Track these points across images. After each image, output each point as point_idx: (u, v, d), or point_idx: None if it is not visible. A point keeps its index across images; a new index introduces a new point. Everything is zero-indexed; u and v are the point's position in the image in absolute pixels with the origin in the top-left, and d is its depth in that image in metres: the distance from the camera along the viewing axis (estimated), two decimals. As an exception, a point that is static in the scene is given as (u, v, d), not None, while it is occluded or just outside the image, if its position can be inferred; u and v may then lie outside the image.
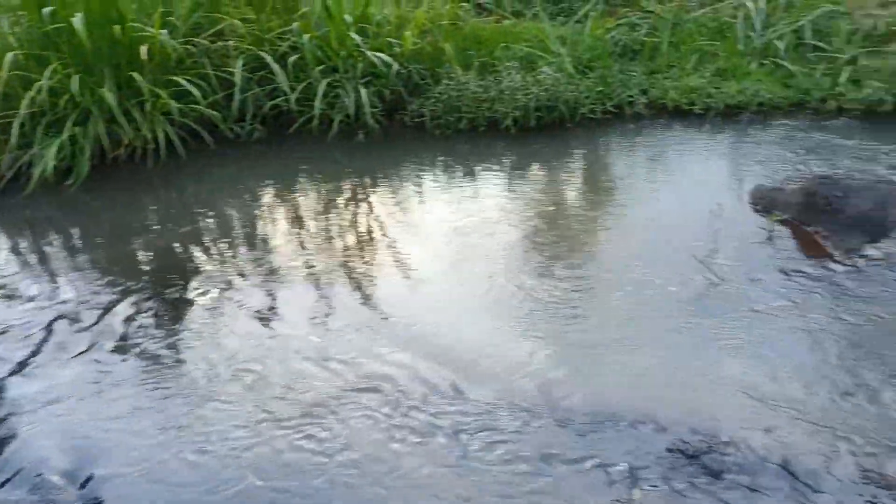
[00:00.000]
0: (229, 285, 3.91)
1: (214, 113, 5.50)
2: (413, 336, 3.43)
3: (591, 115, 5.81)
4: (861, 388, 2.93)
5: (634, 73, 6.15)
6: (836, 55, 5.86)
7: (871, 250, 3.84)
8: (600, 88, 5.95)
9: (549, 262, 4.00)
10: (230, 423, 2.92)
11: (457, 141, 5.71)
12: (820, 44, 6.03)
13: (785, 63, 5.97)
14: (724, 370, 3.09)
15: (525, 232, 4.33)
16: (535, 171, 5.22)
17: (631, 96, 5.92)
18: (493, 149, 5.56)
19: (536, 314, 3.55)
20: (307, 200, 4.93)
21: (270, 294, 3.83)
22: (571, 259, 4.02)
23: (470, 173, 5.24)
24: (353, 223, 4.62)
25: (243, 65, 5.69)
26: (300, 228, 4.56)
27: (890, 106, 5.33)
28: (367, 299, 3.77)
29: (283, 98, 5.72)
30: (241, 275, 4.01)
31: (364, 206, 4.87)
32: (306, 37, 5.71)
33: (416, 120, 5.90)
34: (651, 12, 6.66)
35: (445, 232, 4.42)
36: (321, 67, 5.78)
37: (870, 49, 5.84)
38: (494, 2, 7.07)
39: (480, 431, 2.83)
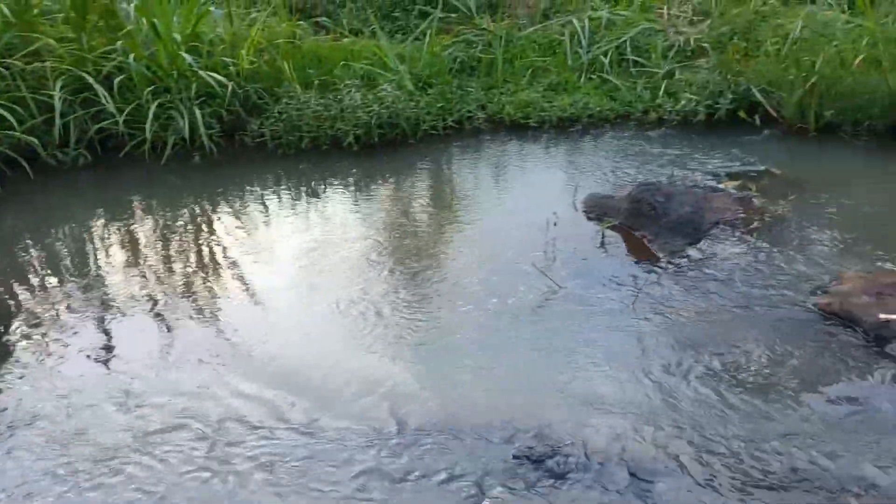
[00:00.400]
0: (53, 324, 3.65)
1: (32, 139, 5.13)
2: (257, 361, 3.34)
3: (433, 131, 5.90)
4: (690, 384, 3.13)
5: (472, 89, 6.31)
6: (655, 70, 6.28)
7: (691, 251, 4.13)
8: (440, 104, 6.06)
9: (395, 278, 4.02)
10: (43, 472, 2.73)
11: (300, 160, 5.64)
12: (640, 59, 6.45)
13: (610, 77, 6.33)
14: (565, 375, 3.21)
15: (369, 249, 4.33)
16: (380, 187, 5.23)
17: (470, 111, 6.07)
18: (337, 167, 5.53)
19: (382, 331, 3.55)
20: (142, 228, 4.69)
21: (101, 330, 3.61)
22: (416, 274, 4.05)
23: (314, 192, 5.19)
24: (192, 249, 4.44)
25: (64, 87, 5.35)
26: (135, 258, 4.32)
27: (703, 116, 5.77)
28: (207, 328, 3.64)
29: (110, 121, 5.42)
30: (68, 312, 3.76)
31: (204, 230, 4.70)
32: (132, 56, 5.45)
33: (257, 140, 5.77)
34: (485, 30, 6.86)
35: (289, 253, 4.34)
36: (151, 88, 5.53)
37: (683, 64, 6.30)
38: (332, 20, 7.05)
39: (327, 454, 2.79)
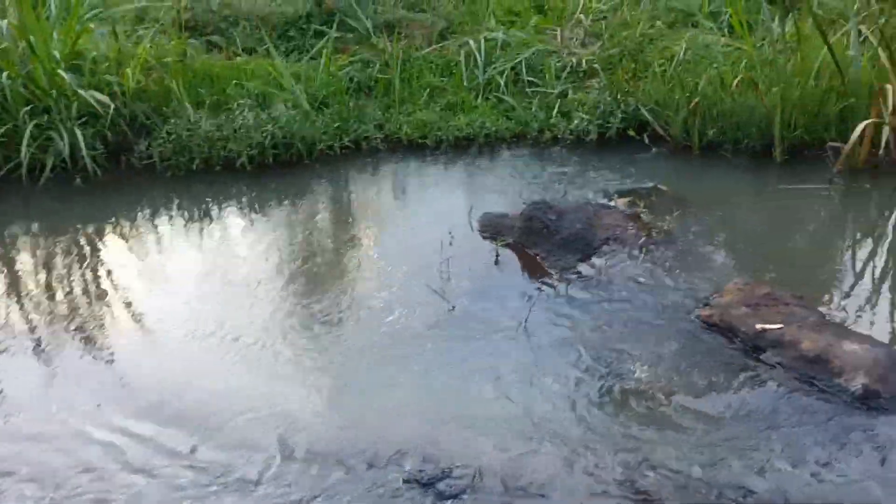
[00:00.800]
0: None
1: None
2: (139, 391, 3.19)
3: (330, 151, 5.83)
4: (578, 399, 3.17)
5: (370, 109, 6.28)
6: (549, 90, 6.41)
7: (582, 267, 4.20)
8: (337, 124, 6.00)
9: (288, 300, 3.94)
10: None
11: (191, 182, 5.46)
12: (535, 80, 6.56)
13: (506, 97, 6.42)
14: (457, 395, 3.21)
15: (263, 271, 4.23)
16: (274, 209, 5.13)
17: (367, 131, 6.03)
18: (230, 188, 5.39)
19: (272, 355, 3.48)
20: (17, 255, 4.44)
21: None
22: (309, 296, 3.98)
23: (206, 215, 5.04)
24: (72, 277, 4.22)
25: (-70, 106, 5.03)
26: (9, 288, 4.07)
27: (595, 135, 5.91)
28: (88, 361, 3.46)
29: (-18, 142, 5.13)
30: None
31: (86, 256, 4.48)
32: (5, 74, 5.17)
33: (146, 161, 5.56)
34: (382, 50, 6.85)
35: (177, 277, 4.20)
36: (29, 108, 5.25)
37: (576, 84, 6.46)
38: (225, 38, 6.89)
39: (208, 484, 2.68)
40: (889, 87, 4.88)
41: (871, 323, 3.65)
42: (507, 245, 4.45)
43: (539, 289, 4.02)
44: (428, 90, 6.55)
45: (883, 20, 5.33)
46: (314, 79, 6.38)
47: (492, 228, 4.64)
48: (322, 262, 4.38)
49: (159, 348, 3.58)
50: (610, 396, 3.17)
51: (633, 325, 3.66)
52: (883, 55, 5.03)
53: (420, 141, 6.04)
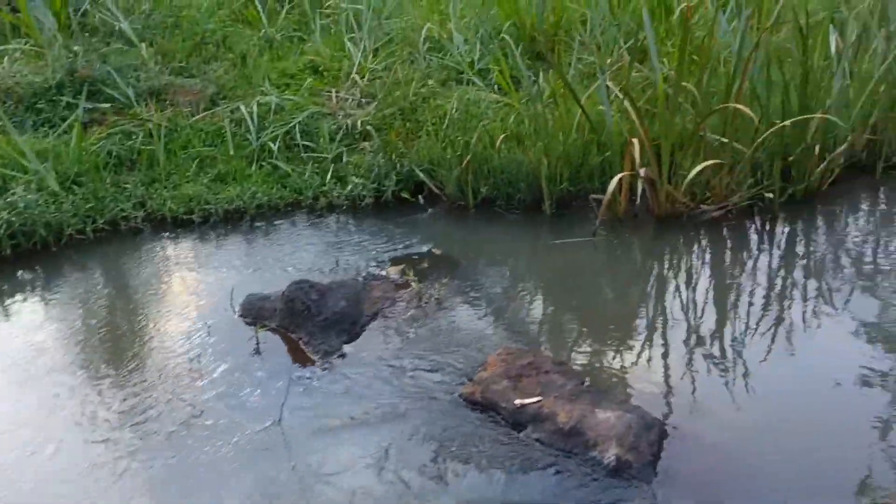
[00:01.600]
0: None
1: None
2: None
3: (81, 236, 5.28)
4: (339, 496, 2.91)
5: (129, 185, 5.78)
6: (324, 154, 6.20)
7: (348, 349, 3.98)
8: (90, 205, 5.46)
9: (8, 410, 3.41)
10: None
11: None
12: (310, 144, 6.34)
13: (280, 164, 6.14)
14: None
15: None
16: (11, 307, 4.51)
17: (125, 210, 5.53)
18: (-45, 288, 4.71)
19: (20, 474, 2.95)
20: None
21: None
22: (34, 411, 3.46)
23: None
24: None
25: None
26: None
27: (370, 199, 5.75)
28: None
29: None
30: None
31: None
32: None
33: None
34: (146, 119, 6.37)
35: None
36: None
37: (351, 146, 6.30)
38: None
39: None
40: (636, 140, 5.08)
41: (629, 384, 3.65)
42: (270, 330, 4.15)
43: (298, 378, 3.73)
44: (197, 160, 6.15)
45: (625, 79, 5.59)
46: (64, 155, 5.80)
47: (254, 312, 4.32)
48: (52, 369, 3.85)
49: None
50: (367, 491, 2.93)
51: (395, 410, 3.46)
52: (630, 109, 5.24)
53: (186, 217, 5.62)
